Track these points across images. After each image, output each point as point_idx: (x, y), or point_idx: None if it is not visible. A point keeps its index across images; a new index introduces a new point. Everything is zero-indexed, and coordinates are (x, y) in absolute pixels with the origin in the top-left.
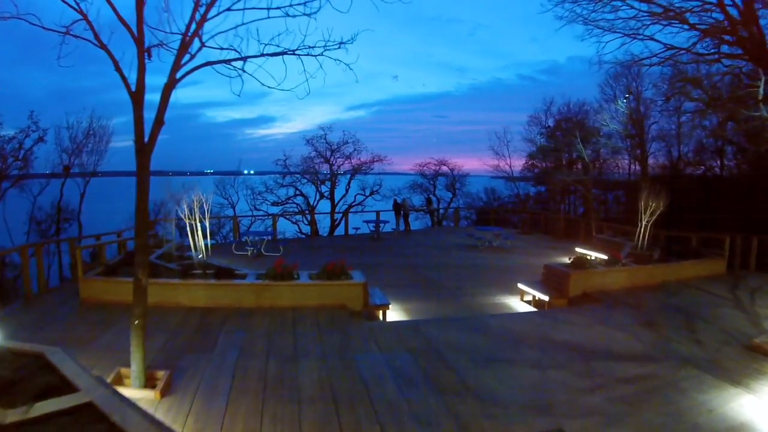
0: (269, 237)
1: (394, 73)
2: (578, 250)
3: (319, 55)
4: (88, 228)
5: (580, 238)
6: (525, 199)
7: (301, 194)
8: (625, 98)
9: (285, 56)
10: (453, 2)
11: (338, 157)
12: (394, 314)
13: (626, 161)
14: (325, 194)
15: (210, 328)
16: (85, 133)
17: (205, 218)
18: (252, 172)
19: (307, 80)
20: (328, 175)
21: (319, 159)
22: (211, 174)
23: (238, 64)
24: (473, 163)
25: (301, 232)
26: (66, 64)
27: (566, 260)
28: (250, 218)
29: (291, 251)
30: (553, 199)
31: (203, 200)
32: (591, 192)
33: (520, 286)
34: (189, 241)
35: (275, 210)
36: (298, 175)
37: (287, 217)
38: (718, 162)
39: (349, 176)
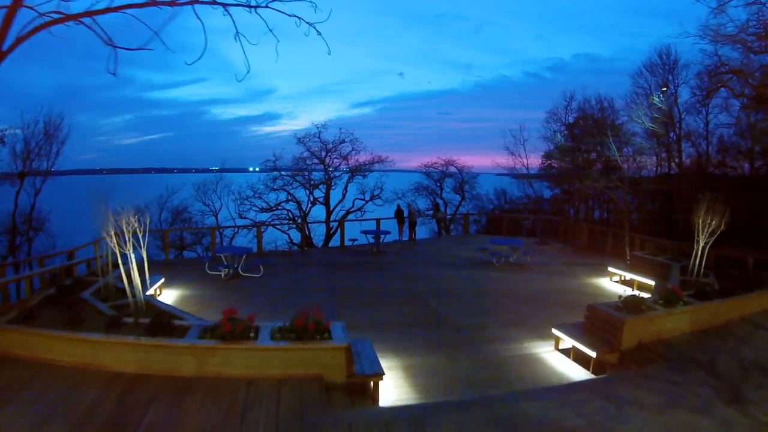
0: (248, 252)
1: (399, 70)
2: (612, 270)
3: (262, 6)
4: (61, 236)
5: (608, 251)
6: (537, 201)
7: (293, 199)
8: (662, 92)
9: (201, 6)
10: None
11: (335, 158)
12: (390, 382)
13: (653, 162)
14: (320, 199)
15: (128, 417)
16: (42, 134)
17: (141, 245)
18: (257, 169)
19: (243, 48)
20: (323, 178)
21: (312, 160)
22: (217, 171)
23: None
24: (479, 160)
25: (292, 242)
26: (70, 61)
27: (600, 283)
28: (233, 229)
29: (274, 270)
30: (569, 202)
31: (137, 221)
32: (625, 200)
33: (556, 332)
34: (132, 271)
35: (264, 217)
36: (288, 178)
37: (277, 227)
38: (748, 164)
39: (346, 179)
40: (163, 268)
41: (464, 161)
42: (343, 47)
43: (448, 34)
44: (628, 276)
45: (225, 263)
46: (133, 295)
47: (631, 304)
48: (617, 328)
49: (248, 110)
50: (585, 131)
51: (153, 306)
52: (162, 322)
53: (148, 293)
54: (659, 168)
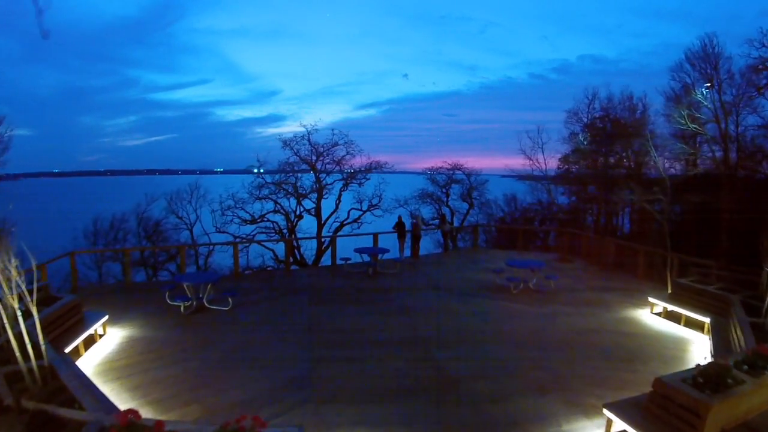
0: (214, 281)
1: (404, 72)
2: (652, 300)
3: None
4: (33, 244)
5: (639, 272)
6: (549, 207)
7: (281, 209)
8: (706, 89)
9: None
10: (463, 0)
11: (327, 163)
12: None
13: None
14: (311, 211)
15: None
16: None
17: (30, 297)
18: (262, 170)
19: None
20: (314, 186)
21: (301, 165)
22: (221, 173)
23: None
24: (484, 162)
25: (277, 260)
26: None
27: (640, 318)
28: (207, 246)
29: (247, 300)
30: (588, 210)
31: (18, 272)
32: (667, 215)
33: (609, 414)
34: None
35: (248, 230)
36: (273, 186)
37: (263, 243)
38: None
39: (339, 186)
40: (122, 294)
41: (471, 164)
42: (348, 48)
43: (452, 35)
44: (671, 307)
45: (186, 295)
46: (26, 360)
47: (714, 378)
48: (699, 415)
49: (253, 112)
50: (609, 133)
51: (55, 377)
52: (47, 416)
53: (86, 334)
54: (687, 171)
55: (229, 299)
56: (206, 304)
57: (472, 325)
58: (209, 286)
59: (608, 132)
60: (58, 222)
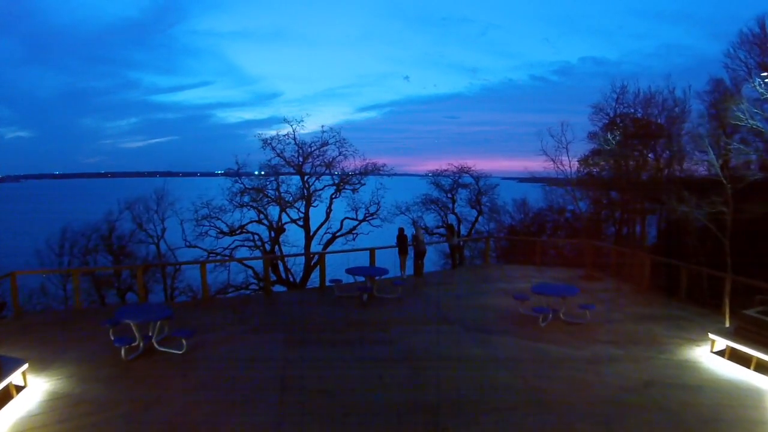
0: (167, 317)
1: (405, 74)
2: (713, 337)
3: None
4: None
5: (681, 294)
6: (561, 211)
7: (266, 218)
8: (765, 80)
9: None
10: (464, 2)
11: (316, 165)
12: None
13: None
14: (298, 221)
15: None
16: None
17: None
18: (263, 172)
19: None
20: (301, 192)
21: (287, 168)
22: (221, 175)
23: None
24: (487, 163)
25: (258, 277)
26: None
27: (701, 361)
28: (173, 266)
29: (207, 339)
30: (611, 218)
31: None
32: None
33: None
34: None
35: (226, 242)
36: (254, 192)
37: (243, 261)
38: None
39: (330, 193)
40: (67, 325)
41: (478, 167)
42: (349, 50)
43: (454, 38)
44: (736, 346)
45: (132, 336)
46: None
47: None
48: None
49: (254, 114)
50: (642, 131)
51: None
52: None
53: None
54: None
55: (183, 341)
56: (156, 346)
57: (497, 379)
58: (159, 323)
59: (642, 130)
60: (58, 223)
